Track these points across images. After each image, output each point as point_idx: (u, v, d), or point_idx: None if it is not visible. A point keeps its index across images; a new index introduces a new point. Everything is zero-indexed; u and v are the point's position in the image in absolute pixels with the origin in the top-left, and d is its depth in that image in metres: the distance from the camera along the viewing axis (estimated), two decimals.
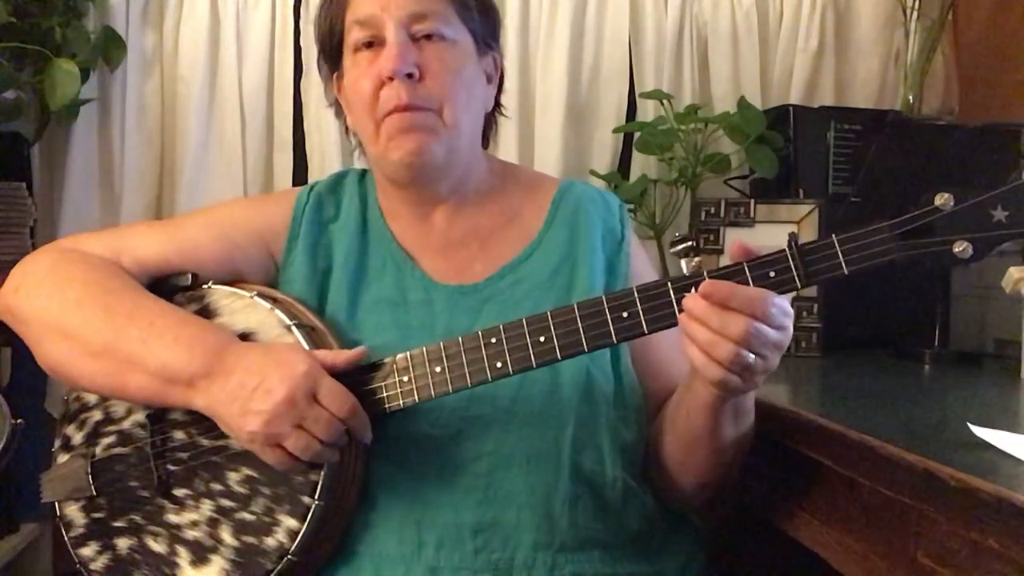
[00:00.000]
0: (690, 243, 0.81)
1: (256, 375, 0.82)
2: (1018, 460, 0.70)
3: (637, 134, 1.67)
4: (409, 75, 0.93)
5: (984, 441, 0.74)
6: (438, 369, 0.85)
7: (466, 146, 1.00)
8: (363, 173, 1.09)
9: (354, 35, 0.97)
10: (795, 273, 0.77)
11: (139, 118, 1.66)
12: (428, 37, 0.95)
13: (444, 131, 0.95)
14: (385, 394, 0.86)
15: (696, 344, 0.77)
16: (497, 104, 1.07)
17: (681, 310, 0.79)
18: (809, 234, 1.41)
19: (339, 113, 1.07)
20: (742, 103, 1.63)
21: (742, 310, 0.75)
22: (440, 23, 0.95)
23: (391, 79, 0.93)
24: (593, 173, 1.71)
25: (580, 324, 0.82)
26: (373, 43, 0.95)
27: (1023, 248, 0.82)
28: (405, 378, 0.86)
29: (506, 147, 1.70)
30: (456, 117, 0.96)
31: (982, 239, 0.75)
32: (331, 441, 0.82)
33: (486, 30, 1.02)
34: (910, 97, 1.68)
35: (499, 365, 0.84)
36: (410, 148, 0.94)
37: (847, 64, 1.80)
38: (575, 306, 0.82)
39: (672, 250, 0.82)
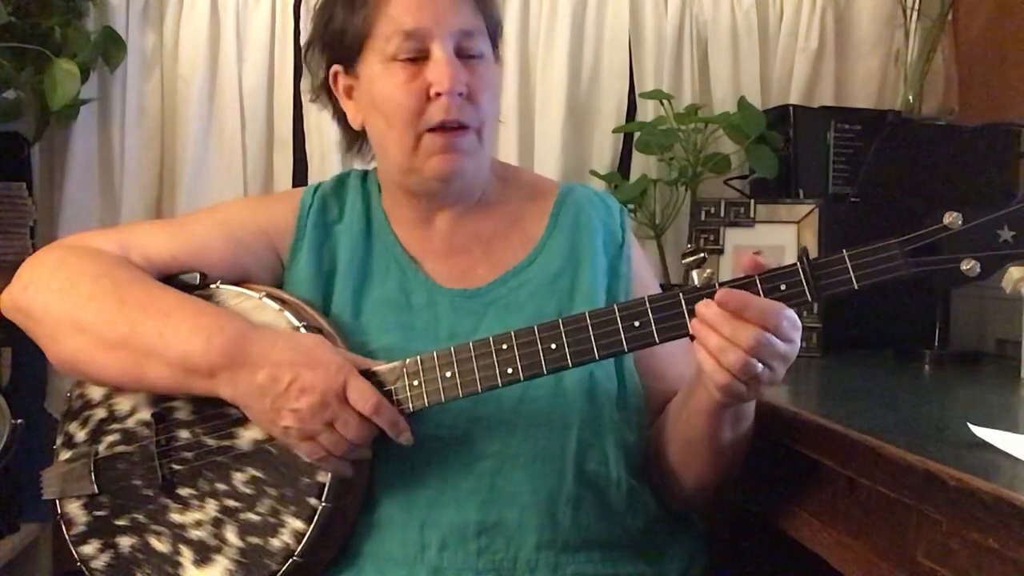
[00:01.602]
0: (702, 255, 0.83)
1: (287, 371, 0.83)
2: (1018, 460, 0.70)
3: (637, 134, 1.68)
4: (460, 94, 0.93)
5: (984, 441, 0.74)
6: (448, 374, 0.85)
7: (488, 160, 1.02)
8: (365, 174, 1.09)
9: (394, 43, 0.94)
10: (806, 287, 0.78)
11: (139, 118, 1.66)
12: (471, 55, 0.95)
13: (479, 150, 0.97)
14: (395, 397, 0.86)
15: (706, 349, 0.78)
16: None
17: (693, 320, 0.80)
18: (809, 235, 1.41)
19: (314, 99, 1.07)
20: (742, 103, 1.63)
21: (754, 320, 0.76)
22: (481, 41, 0.97)
23: (439, 95, 0.93)
24: (593, 173, 1.71)
25: (591, 332, 0.82)
26: (415, 54, 0.94)
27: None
28: (415, 382, 0.86)
29: (506, 148, 1.70)
30: (488, 135, 0.98)
31: (989, 258, 0.76)
32: (359, 441, 0.84)
33: (498, 41, 1.03)
34: (910, 97, 1.68)
35: (510, 371, 0.84)
36: (450, 167, 0.95)
37: (847, 64, 1.80)
38: (587, 314, 0.83)
39: (684, 261, 0.83)
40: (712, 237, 1.47)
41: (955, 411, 1.03)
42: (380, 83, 0.96)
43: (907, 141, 1.52)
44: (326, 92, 1.05)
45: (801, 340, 1.37)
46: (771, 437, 0.93)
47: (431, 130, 0.94)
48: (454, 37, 0.94)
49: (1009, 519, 0.60)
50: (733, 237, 1.46)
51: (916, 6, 1.71)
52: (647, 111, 1.72)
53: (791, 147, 1.55)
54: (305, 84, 1.67)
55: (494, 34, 1.01)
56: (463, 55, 0.95)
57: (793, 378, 1.22)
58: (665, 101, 1.65)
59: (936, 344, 1.38)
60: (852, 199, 1.50)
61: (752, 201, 1.48)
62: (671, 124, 1.63)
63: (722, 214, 1.47)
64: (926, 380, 1.24)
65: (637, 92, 1.75)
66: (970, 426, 0.77)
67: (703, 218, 1.48)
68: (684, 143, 1.63)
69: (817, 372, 1.30)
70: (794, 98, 1.73)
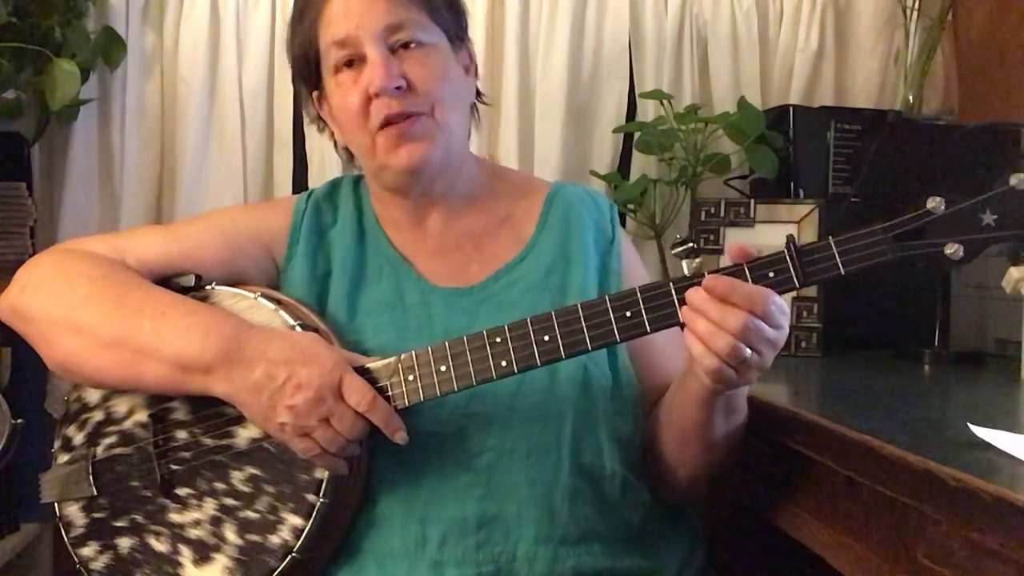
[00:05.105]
0: (691, 244, 0.83)
1: (283, 368, 0.83)
2: (1018, 460, 0.70)
3: (637, 134, 1.67)
4: (397, 88, 0.94)
5: (984, 441, 0.74)
6: (443, 368, 0.86)
7: (458, 143, 1.02)
8: (357, 180, 1.10)
9: (333, 56, 0.97)
10: (793, 274, 0.80)
11: (139, 118, 1.65)
12: (406, 45, 0.96)
13: (438, 133, 0.97)
14: (391, 392, 0.87)
15: (695, 334, 0.79)
16: (478, 93, 1.09)
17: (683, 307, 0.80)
18: (809, 234, 1.42)
19: (321, 129, 1.09)
20: (742, 103, 1.63)
21: (741, 305, 0.77)
22: (416, 29, 0.97)
23: (377, 95, 0.94)
24: (593, 173, 1.71)
25: (584, 323, 0.83)
26: (353, 61, 0.96)
27: (1008, 249, 0.84)
28: (410, 377, 0.86)
29: (506, 147, 1.70)
30: (447, 116, 0.98)
31: (972, 241, 0.77)
32: (353, 437, 0.84)
33: (458, 26, 1.03)
34: (910, 97, 1.68)
35: (504, 364, 0.84)
36: (410, 157, 0.96)
37: (847, 64, 1.80)
38: (579, 306, 0.84)
39: (673, 251, 0.84)
40: (712, 237, 1.47)
41: (955, 411, 1.03)
42: (335, 95, 1.00)
43: (907, 141, 1.52)
44: (319, 118, 1.07)
45: (801, 340, 1.39)
46: (771, 436, 0.93)
47: (381, 127, 0.95)
48: (382, 34, 0.95)
49: (1009, 519, 0.60)
50: (733, 237, 1.46)
51: (916, 6, 1.70)
52: (647, 111, 1.72)
53: (791, 147, 1.55)
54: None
55: (445, 20, 1.00)
56: (395, 47, 0.96)
57: (793, 378, 1.23)
58: (665, 101, 1.65)
59: (936, 344, 1.38)
60: (852, 199, 1.50)
61: (752, 201, 1.48)
62: (671, 124, 1.63)
63: (722, 214, 1.47)
64: (926, 380, 1.23)
65: (637, 92, 1.74)
66: (970, 426, 0.77)
67: (703, 218, 1.48)
68: (684, 143, 1.63)
69: (817, 372, 1.30)
70: (794, 98, 1.73)
